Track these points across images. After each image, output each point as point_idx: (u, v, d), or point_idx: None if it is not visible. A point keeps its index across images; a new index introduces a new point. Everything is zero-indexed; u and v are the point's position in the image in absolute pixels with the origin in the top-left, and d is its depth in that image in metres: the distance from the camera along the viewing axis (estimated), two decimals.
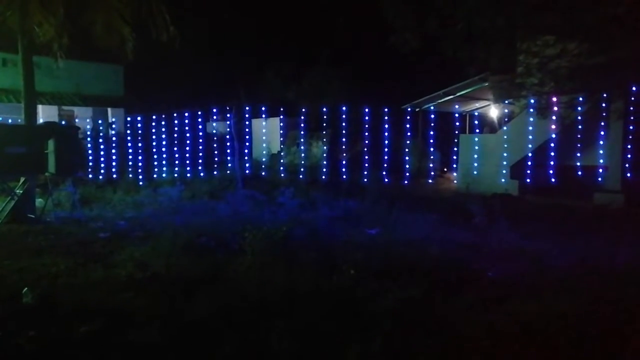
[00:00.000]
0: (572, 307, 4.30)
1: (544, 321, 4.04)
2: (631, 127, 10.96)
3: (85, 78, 18.93)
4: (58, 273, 5.62)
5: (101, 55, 16.14)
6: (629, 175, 11.02)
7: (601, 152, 11.49)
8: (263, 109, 16.00)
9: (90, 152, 15.17)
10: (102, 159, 15.00)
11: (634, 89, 10.61)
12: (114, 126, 16.80)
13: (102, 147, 15.20)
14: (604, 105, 11.16)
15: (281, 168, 14.91)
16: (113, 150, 15.19)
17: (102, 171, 14.81)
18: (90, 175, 14.43)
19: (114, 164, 15.03)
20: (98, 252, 6.57)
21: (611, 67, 9.43)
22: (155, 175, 14.34)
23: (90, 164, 14.92)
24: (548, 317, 4.11)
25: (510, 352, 3.64)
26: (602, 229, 7.59)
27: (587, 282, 4.96)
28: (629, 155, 11.05)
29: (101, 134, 15.69)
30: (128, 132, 15.63)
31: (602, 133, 11.41)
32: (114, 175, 14.54)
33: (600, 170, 11.53)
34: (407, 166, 14.37)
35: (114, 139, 15.58)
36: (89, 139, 15.57)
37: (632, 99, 10.74)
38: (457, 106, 16.34)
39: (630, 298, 4.57)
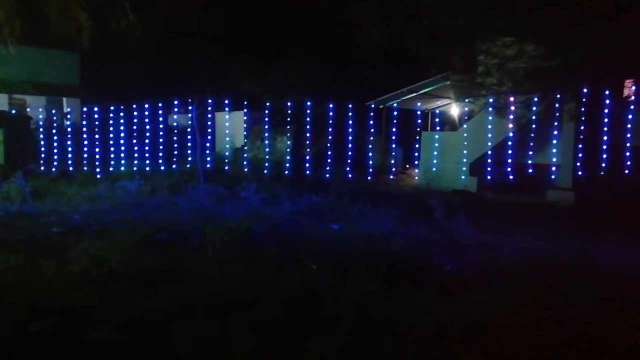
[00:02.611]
0: (523, 297, 4.48)
1: (497, 312, 4.19)
2: (582, 128, 11.48)
3: (39, 65, 18.01)
4: (7, 270, 5.36)
5: (57, 42, 15.45)
6: (579, 173, 11.55)
7: (554, 151, 11.98)
8: (227, 102, 15.75)
9: (42, 143, 14.51)
10: (55, 150, 14.38)
11: (585, 91, 11.11)
12: (69, 116, 16.10)
13: (55, 138, 14.56)
14: (557, 106, 11.62)
15: (245, 163, 14.74)
16: (68, 142, 14.58)
17: (55, 164, 14.20)
18: (42, 168, 13.81)
19: (69, 156, 14.44)
20: (51, 248, 6.30)
21: (565, 69, 9.82)
22: (112, 169, 13.87)
23: (43, 155, 14.28)
24: (501, 307, 4.27)
25: (465, 342, 3.76)
26: (553, 225, 7.93)
27: (537, 274, 5.17)
28: (579, 155, 11.57)
29: (55, 125, 15.03)
30: (84, 123, 15.03)
31: (556, 133, 11.89)
32: (69, 168, 13.98)
33: (553, 169, 12.03)
34: (371, 162, 14.51)
35: (69, 130, 14.95)
36: (41, 129, 14.89)
37: (584, 100, 11.24)
38: (419, 104, 16.63)
39: (575, 288, 4.80)
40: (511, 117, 11.91)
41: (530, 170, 12.29)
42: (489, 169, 12.59)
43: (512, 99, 11.57)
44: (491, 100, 11.95)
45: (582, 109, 11.32)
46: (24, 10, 9.63)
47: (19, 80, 17.34)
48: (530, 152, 12.24)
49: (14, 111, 15.92)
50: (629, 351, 3.70)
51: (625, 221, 7.96)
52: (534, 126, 12.11)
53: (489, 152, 12.65)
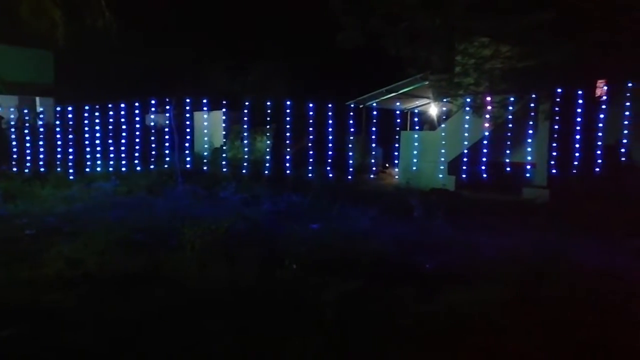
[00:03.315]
0: (498, 294, 4.56)
1: (474, 309, 4.26)
2: (556, 127, 11.75)
3: (11, 63, 17.49)
4: None
5: (30, 39, 15.04)
6: (554, 171, 11.81)
7: (530, 150, 12.23)
8: (205, 101, 15.58)
9: (14, 143, 14.11)
10: (28, 151, 14.00)
11: (559, 91, 11.37)
12: (41, 116, 15.69)
13: (28, 138, 14.17)
14: (532, 105, 11.87)
15: (224, 162, 14.61)
16: (41, 142, 14.21)
17: (28, 164, 13.83)
18: (14, 169, 13.44)
19: (41, 156, 14.07)
20: (24, 250, 6.14)
21: (540, 70, 10.03)
22: (88, 170, 13.58)
23: (15, 156, 13.88)
24: (478, 304, 4.33)
25: (443, 338, 3.80)
26: (528, 222, 8.10)
27: (513, 271, 5.26)
28: (554, 153, 11.84)
29: (27, 124, 14.63)
30: (58, 122, 14.66)
31: (531, 132, 12.14)
32: (42, 169, 13.63)
33: (529, 167, 12.28)
34: (351, 162, 14.56)
35: (41, 129, 14.57)
36: (13, 129, 14.47)
37: (558, 100, 11.51)
38: (398, 103, 16.75)
39: (547, 283, 4.91)
40: (488, 116, 12.10)
41: (507, 169, 12.51)
42: (466, 167, 12.77)
43: (488, 98, 11.76)
44: (468, 100, 12.13)
45: (556, 109, 11.59)
46: None
47: None
48: (507, 151, 12.46)
49: None
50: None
51: (596, 217, 8.20)
52: (510, 125, 12.34)
53: (467, 151, 12.82)
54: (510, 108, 11.96)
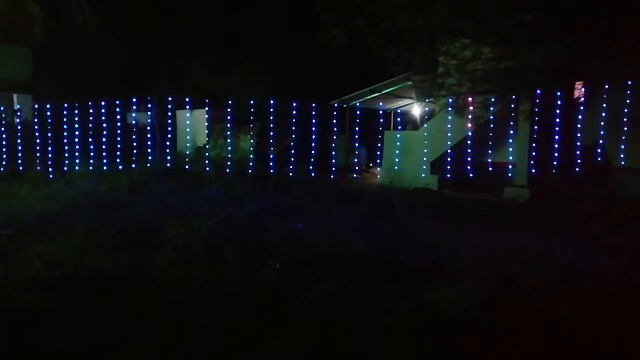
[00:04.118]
0: (481, 292, 4.62)
1: (457, 306, 4.31)
2: (536, 127, 11.96)
3: None
4: None
5: (7, 35, 14.68)
6: (533, 171, 12.02)
7: (510, 149, 12.42)
8: (187, 100, 15.43)
9: None
10: (4, 149, 13.69)
11: (538, 92, 11.57)
12: (19, 114, 15.35)
13: (4, 136, 13.86)
14: (513, 106, 12.06)
15: (207, 162, 14.51)
16: (18, 140, 13.91)
17: (4, 163, 13.52)
18: None
19: (19, 155, 13.77)
20: (0, 251, 6.00)
21: (520, 71, 10.19)
22: (67, 168, 13.34)
23: None
24: (461, 302, 4.38)
25: (428, 337, 3.83)
26: (508, 220, 8.23)
27: (494, 269, 5.34)
28: (534, 153, 12.05)
29: (3, 122, 14.31)
30: (36, 120, 14.37)
31: (512, 132, 12.33)
32: (20, 168, 13.34)
33: (510, 167, 12.47)
34: (334, 161, 14.59)
35: (19, 127, 14.26)
36: None
37: (537, 101, 11.71)
38: (381, 103, 16.84)
39: (528, 281, 4.99)
40: (470, 117, 12.25)
41: (489, 169, 12.68)
42: (449, 167, 12.91)
43: (470, 99, 11.90)
44: (451, 100, 12.25)
45: (536, 110, 11.80)
46: None
47: None
48: (489, 151, 12.64)
49: None
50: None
51: (574, 215, 8.38)
52: (491, 126, 12.51)
53: (449, 151, 12.96)
54: (492, 108, 12.13)
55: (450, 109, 12.45)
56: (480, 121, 12.43)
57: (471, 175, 12.63)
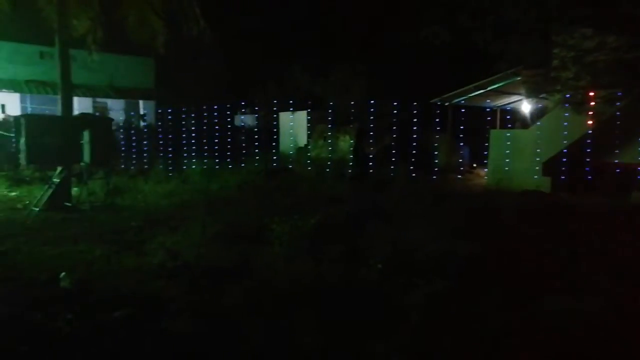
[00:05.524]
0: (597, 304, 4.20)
1: (575, 318, 3.96)
2: None
3: (118, 71, 19.37)
4: (93, 260, 5.81)
5: (133, 48, 16.50)
6: None
7: None
8: (290, 102, 16.04)
9: (122, 143, 15.55)
10: (133, 150, 15.37)
11: None
12: (145, 118, 17.16)
13: (133, 138, 15.55)
14: None
15: (308, 161, 14.95)
16: (144, 142, 15.52)
17: (133, 162, 15.18)
18: (122, 166, 14.81)
19: (145, 154, 15.37)
20: (130, 240, 6.74)
21: None
22: (184, 167, 14.61)
23: (123, 154, 15.30)
24: (579, 314, 4.03)
25: (536, 346, 3.57)
26: (632, 230, 7.34)
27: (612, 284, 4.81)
28: None
29: (133, 126, 16.06)
30: (159, 124, 15.94)
31: None
32: (145, 166, 14.87)
33: (639, 169, 11.12)
34: (436, 161, 14.18)
35: (145, 130, 15.92)
36: (121, 130, 15.95)
37: None
38: (488, 101, 16.01)
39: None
40: (590, 112, 11.15)
41: (612, 170, 11.43)
42: (564, 168, 11.87)
43: (591, 93, 10.84)
44: (567, 95, 11.27)
45: None
46: (105, 20, 10.36)
47: (101, 85, 18.72)
48: (613, 150, 11.40)
49: (97, 114, 17.20)
50: None
51: None
52: (617, 122, 11.26)
53: (565, 151, 11.92)
54: (618, 103, 10.92)
55: (566, 105, 11.45)
56: (603, 117, 11.25)
57: (590, 177, 11.48)
